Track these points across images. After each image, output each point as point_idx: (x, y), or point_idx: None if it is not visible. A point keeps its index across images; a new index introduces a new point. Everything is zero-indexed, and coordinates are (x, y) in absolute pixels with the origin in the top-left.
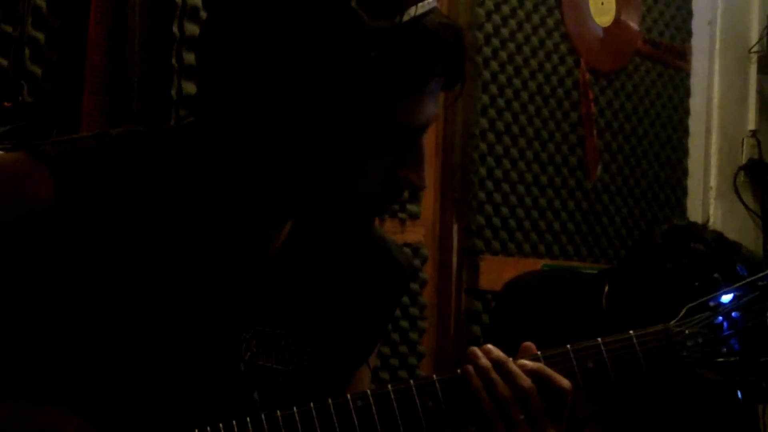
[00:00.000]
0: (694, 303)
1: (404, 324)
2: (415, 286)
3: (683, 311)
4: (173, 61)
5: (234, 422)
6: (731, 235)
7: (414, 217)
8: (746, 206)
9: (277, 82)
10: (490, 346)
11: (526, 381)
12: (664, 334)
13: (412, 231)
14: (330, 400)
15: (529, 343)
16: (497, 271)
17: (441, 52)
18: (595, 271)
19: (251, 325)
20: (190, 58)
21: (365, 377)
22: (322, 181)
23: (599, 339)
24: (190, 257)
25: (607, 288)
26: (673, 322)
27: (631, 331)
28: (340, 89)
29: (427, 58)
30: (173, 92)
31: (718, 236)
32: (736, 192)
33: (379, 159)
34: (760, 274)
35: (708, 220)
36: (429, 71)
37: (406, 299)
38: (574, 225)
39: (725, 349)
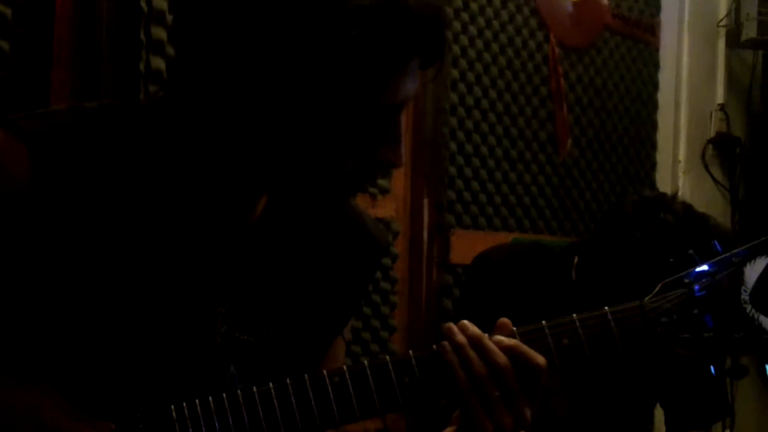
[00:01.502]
0: (669, 279)
1: (376, 298)
2: (386, 261)
3: (658, 287)
4: (141, 35)
5: (210, 398)
6: (700, 209)
7: (385, 191)
8: (715, 179)
9: (256, 58)
10: (466, 322)
11: (502, 358)
12: (639, 311)
13: (384, 206)
14: (306, 376)
15: (505, 320)
16: (468, 245)
17: (421, 30)
18: (565, 245)
19: (227, 299)
20: (158, 32)
21: (340, 349)
22: (298, 156)
23: (574, 315)
24: (167, 230)
25: (576, 259)
26: (647, 298)
27: (606, 308)
28: (320, 67)
29: (407, 36)
30: (141, 67)
31: (688, 208)
32: (705, 166)
33: (356, 136)
34: (735, 251)
35: (677, 193)
36: (409, 50)
37: (378, 274)
38: (544, 199)
39: (699, 326)
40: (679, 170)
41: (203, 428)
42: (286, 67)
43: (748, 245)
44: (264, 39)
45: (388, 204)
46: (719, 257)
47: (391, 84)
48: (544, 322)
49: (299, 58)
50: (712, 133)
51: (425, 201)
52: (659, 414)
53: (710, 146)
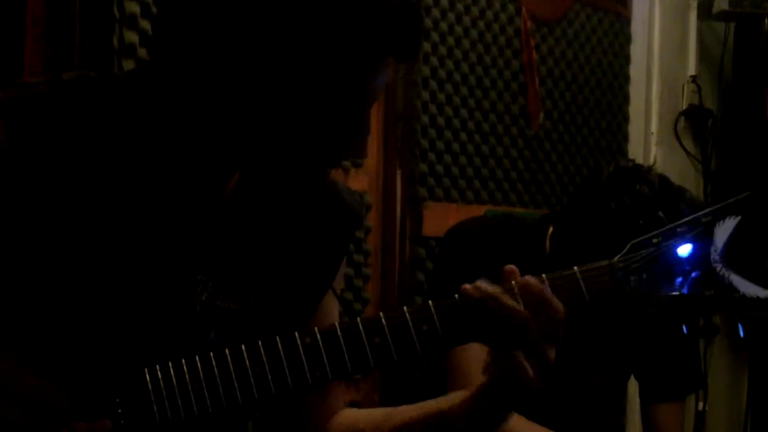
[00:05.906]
0: (638, 239)
1: (349, 271)
2: (359, 234)
3: (627, 247)
4: (115, 10)
5: (183, 361)
6: (672, 180)
7: (357, 165)
8: (687, 152)
9: (232, 41)
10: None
11: None
12: (608, 270)
13: (356, 179)
14: (278, 338)
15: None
16: (441, 218)
17: (397, 29)
18: (537, 217)
19: (207, 267)
20: (132, 7)
21: (331, 304)
22: (267, 137)
23: (543, 276)
24: (145, 201)
25: (551, 230)
26: (616, 257)
27: (575, 267)
28: (295, 56)
29: (383, 35)
30: (115, 42)
31: (664, 180)
32: (677, 138)
33: (324, 125)
34: (704, 211)
35: (653, 165)
36: (384, 48)
37: (351, 246)
38: (516, 172)
39: (669, 285)
40: (652, 142)
41: (177, 391)
42: (262, 54)
43: (717, 205)
44: (242, 23)
45: (360, 177)
46: (689, 218)
47: (364, 79)
48: (513, 282)
49: (275, 46)
50: (684, 106)
51: (398, 174)
52: (633, 387)
53: (682, 118)
